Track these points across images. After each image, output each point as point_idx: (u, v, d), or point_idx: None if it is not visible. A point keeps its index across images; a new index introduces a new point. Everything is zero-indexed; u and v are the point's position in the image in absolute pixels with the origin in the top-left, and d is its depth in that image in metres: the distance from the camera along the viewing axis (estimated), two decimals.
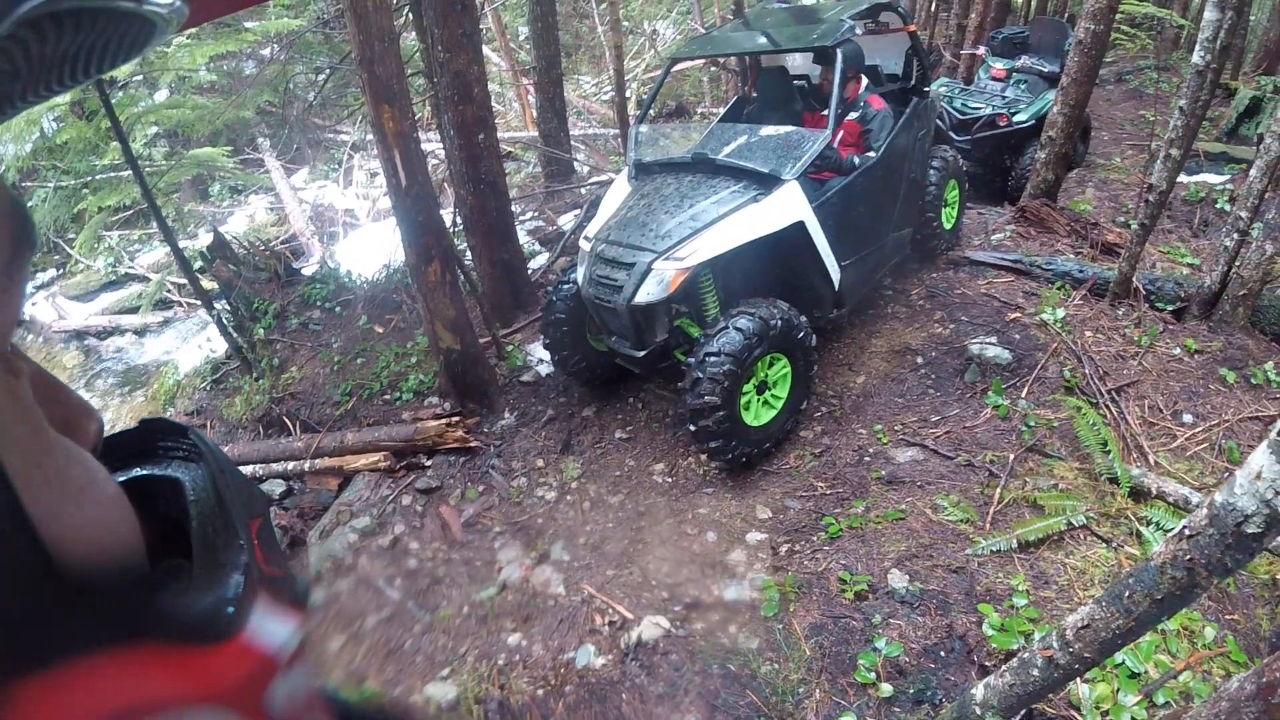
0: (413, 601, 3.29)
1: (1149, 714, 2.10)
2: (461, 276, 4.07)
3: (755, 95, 4.62)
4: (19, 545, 0.24)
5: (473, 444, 3.88)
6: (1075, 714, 2.16)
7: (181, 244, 5.67)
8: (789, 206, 3.42)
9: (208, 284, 5.66)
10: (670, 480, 3.62)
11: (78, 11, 0.27)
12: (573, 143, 7.71)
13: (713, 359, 3.16)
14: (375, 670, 3.00)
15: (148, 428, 0.41)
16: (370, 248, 6.08)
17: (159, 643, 0.28)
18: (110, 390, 7.10)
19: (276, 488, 4.22)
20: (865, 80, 4.08)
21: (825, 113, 3.93)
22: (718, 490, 3.53)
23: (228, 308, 5.30)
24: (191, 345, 6.38)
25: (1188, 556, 1.40)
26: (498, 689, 2.79)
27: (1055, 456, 3.21)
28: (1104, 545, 2.75)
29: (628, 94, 7.38)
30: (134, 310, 7.95)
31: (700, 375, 3.17)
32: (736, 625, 2.84)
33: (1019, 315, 4.10)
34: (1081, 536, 2.80)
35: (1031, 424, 3.35)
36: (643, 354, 3.47)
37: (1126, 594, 1.53)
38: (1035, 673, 1.78)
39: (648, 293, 3.29)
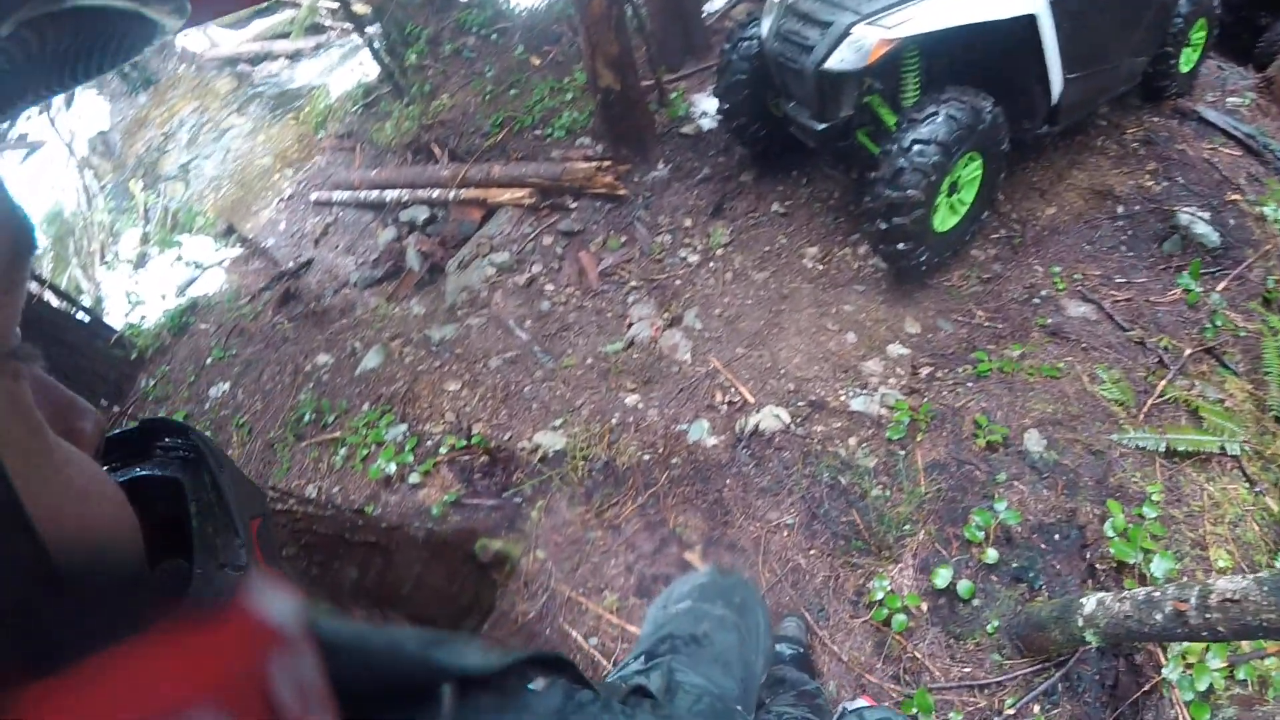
0: (539, 346, 3.35)
1: (1226, 684, 1.95)
2: (630, 11, 3.68)
3: None
4: (20, 545, 0.24)
5: (621, 191, 3.72)
6: (1160, 655, 2.03)
7: None
8: None
9: (360, 8, 5.48)
10: (821, 268, 3.39)
11: (78, 11, 0.26)
12: None
13: (920, 147, 2.77)
14: (489, 414, 3.10)
15: (148, 427, 0.41)
16: None
17: (158, 642, 0.28)
18: (263, 115, 7.31)
19: (420, 214, 4.28)
20: None
21: None
22: (869, 290, 3.29)
23: (380, 32, 5.15)
24: (343, 70, 6.35)
25: None
26: (606, 448, 2.83)
27: (1231, 370, 2.81)
28: (1247, 485, 2.44)
29: None
30: (285, 36, 7.95)
31: (904, 164, 2.78)
32: (857, 439, 2.73)
33: (1239, 198, 3.46)
34: (1228, 466, 2.49)
35: (1218, 323, 2.92)
36: (823, 127, 3.10)
37: None
38: (1158, 617, 1.62)
39: (842, 59, 2.85)
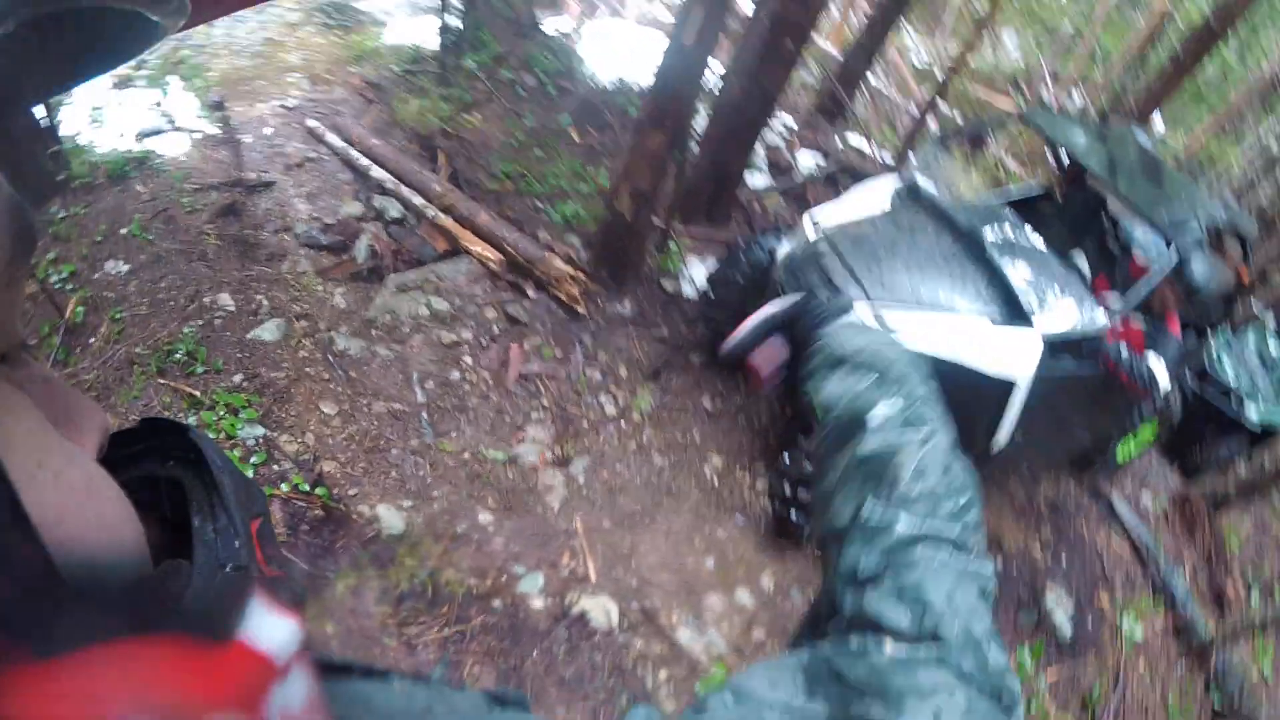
0: (428, 414, 3.15)
1: None
2: (677, 159, 3.66)
3: (1061, 201, 4.00)
4: (20, 545, 0.23)
5: (580, 309, 3.63)
6: None
7: None
8: (1017, 357, 2.88)
9: None
10: (716, 482, 3.37)
11: (78, 11, 0.27)
12: (863, 89, 6.77)
13: None
14: (348, 458, 2.87)
15: (149, 427, 0.41)
16: (617, 49, 5.51)
17: (159, 644, 0.28)
18: (314, 16, 6.96)
19: (393, 209, 4.08)
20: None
21: (1114, 291, 3.33)
22: (747, 526, 3.27)
23: (459, 18, 4.98)
24: (408, 21, 6.12)
25: None
26: (437, 557, 2.66)
27: None
28: None
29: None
30: None
31: None
32: (668, 674, 2.68)
33: (1106, 600, 3.66)
34: None
35: (1033, 709, 3.08)
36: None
37: None
38: None
39: None
